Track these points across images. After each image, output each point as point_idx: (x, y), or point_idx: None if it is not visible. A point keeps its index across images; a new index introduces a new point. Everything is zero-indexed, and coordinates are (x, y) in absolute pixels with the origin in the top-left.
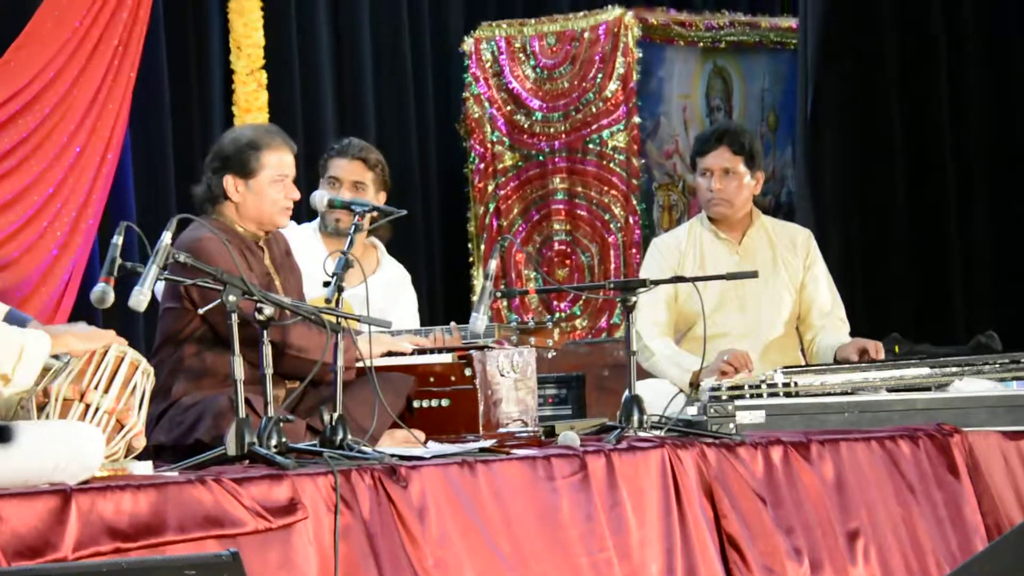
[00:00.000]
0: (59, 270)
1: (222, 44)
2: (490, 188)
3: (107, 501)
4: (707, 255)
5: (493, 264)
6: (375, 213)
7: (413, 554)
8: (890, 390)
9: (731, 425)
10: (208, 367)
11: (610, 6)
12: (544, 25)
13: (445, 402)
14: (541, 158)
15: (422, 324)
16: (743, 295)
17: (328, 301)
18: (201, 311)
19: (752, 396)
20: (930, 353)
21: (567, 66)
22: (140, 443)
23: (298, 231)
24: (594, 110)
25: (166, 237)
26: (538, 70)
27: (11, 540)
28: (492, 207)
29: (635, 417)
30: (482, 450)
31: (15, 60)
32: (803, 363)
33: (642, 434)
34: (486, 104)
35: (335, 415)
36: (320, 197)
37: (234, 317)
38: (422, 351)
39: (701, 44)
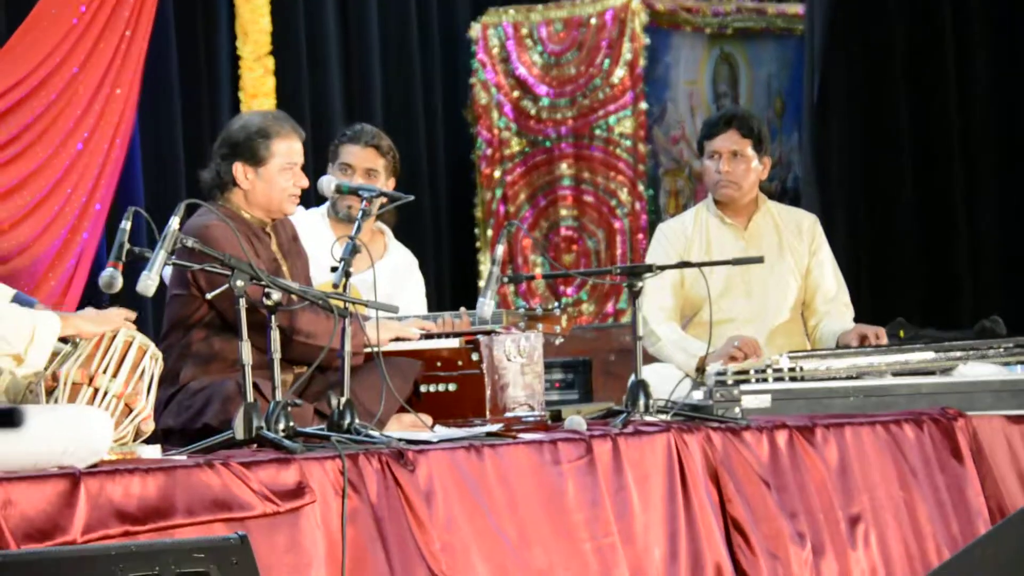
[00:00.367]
0: (67, 255)
1: (229, 30)
2: (497, 174)
3: (116, 485)
4: (713, 240)
5: (500, 249)
6: (383, 198)
7: (420, 538)
8: (895, 374)
9: (737, 409)
10: (216, 352)
11: None
12: (551, 11)
13: (452, 387)
14: (548, 144)
15: (430, 309)
16: (749, 280)
17: (335, 286)
18: (209, 296)
19: (758, 380)
20: (935, 338)
21: (574, 52)
22: (148, 427)
23: (306, 216)
24: (601, 96)
25: (174, 222)
26: (545, 56)
27: (20, 523)
28: (499, 193)
29: (641, 401)
30: (489, 434)
31: (21, 45)
32: (808, 348)
33: (648, 418)
34: (493, 90)
35: (343, 399)
36: (328, 182)
37: (242, 302)
38: (429, 336)
39: (708, 30)
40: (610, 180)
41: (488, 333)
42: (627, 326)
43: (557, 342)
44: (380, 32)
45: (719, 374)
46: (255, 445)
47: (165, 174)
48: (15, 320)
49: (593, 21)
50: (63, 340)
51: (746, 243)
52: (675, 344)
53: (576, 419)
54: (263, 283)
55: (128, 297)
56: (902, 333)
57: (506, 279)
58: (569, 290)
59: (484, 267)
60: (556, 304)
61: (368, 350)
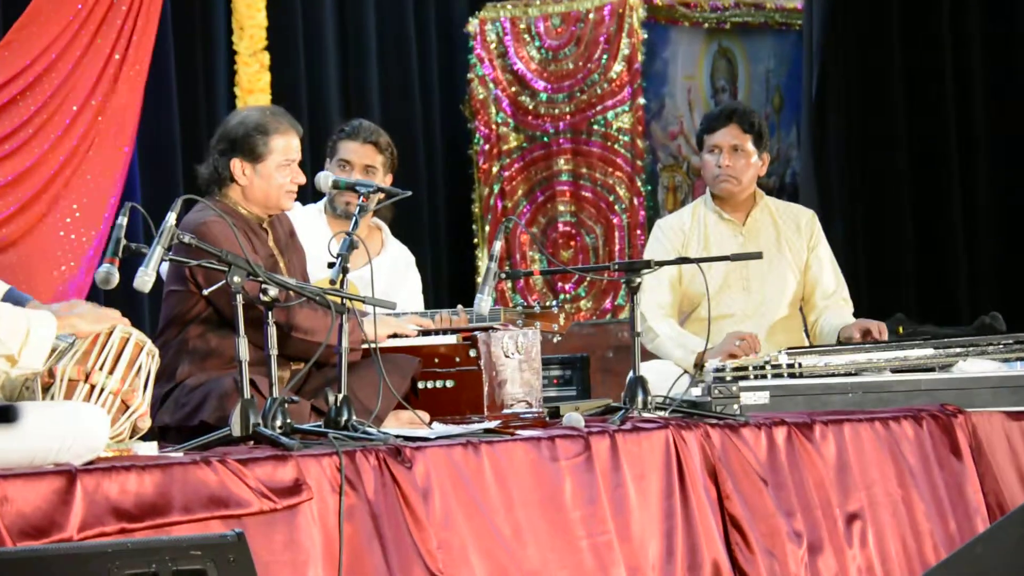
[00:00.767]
0: (68, 251)
1: (226, 25)
2: (495, 169)
3: (112, 482)
4: (711, 236)
5: (498, 245)
6: (380, 194)
7: (417, 535)
8: (894, 371)
9: (735, 406)
10: (213, 349)
11: None
12: (549, 6)
13: (450, 383)
14: (546, 139)
15: (427, 306)
16: (747, 276)
17: (333, 282)
18: (205, 292)
19: (756, 377)
20: (934, 334)
21: (572, 47)
22: (145, 424)
23: (303, 212)
24: (599, 91)
25: (171, 218)
26: (543, 51)
27: (16, 520)
28: (497, 188)
29: (639, 398)
30: (487, 431)
31: (17, 40)
32: (807, 344)
33: (646, 415)
34: (491, 85)
35: (340, 396)
36: (325, 178)
37: (239, 298)
38: (427, 332)
39: (706, 25)
40: (608, 176)
41: (486, 330)
42: (625, 322)
43: (555, 339)
44: (377, 27)
45: (717, 371)
46: (252, 442)
47: (161, 169)
48: (9, 320)
49: (591, 16)
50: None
51: (744, 238)
52: (673, 340)
53: (574, 416)
54: (260, 279)
55: (124, 293)
56: (901, 329)
57: (504, 275)
58: (567, 286)
59: (482, 263)
60: (554, 301)
61: (366, 346)
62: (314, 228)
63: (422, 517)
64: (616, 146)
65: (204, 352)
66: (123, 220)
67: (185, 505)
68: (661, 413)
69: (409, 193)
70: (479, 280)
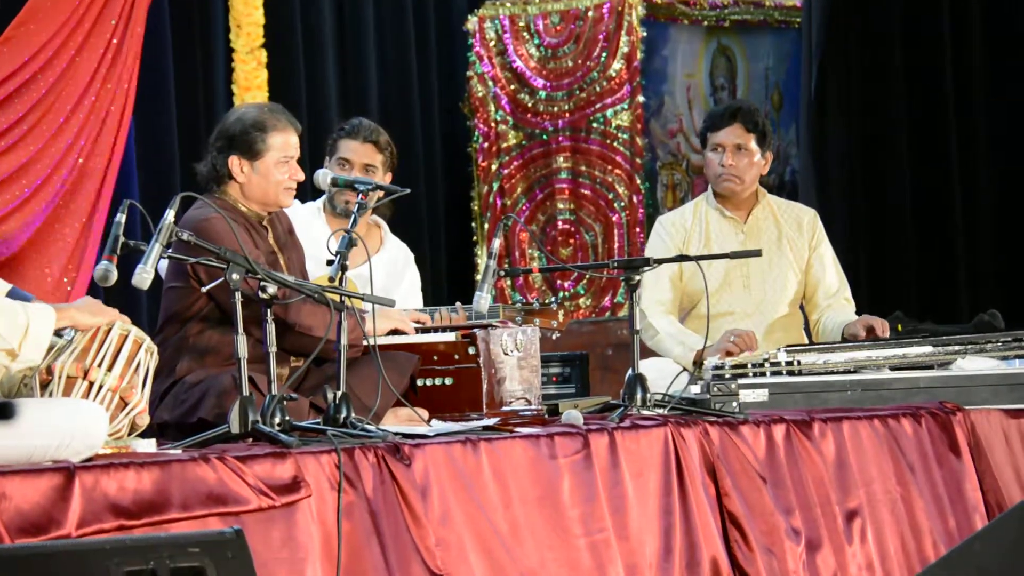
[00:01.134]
0: (64, 249)
1: (224, 23)
2: (494, 167)
3: (111, 479)
4: (712, 233)
5: (497, 243)
6: (379, 192)
7: (416, 532)
8: (893, 368)
9: (734, 403)
10: (213, 345)
11: None
12: (548, 4)
13: (449, 380)
14: (545, 137)
15: (426, 303)
16: (748, 274)
17: (332, 280)
18: (205, 289)
19: (755, 374)
20: (933, 331)
21: (571, 45)
22: (144, 421)
23: (302, 210)
24: (598, 89)
25: (169, 215)
26: (542, 49)
27: (14, 517)
28: (496, 186)
29: (638, 395)
30: (485, 428)
31: (16, 37)
32: (806, 342)
33: (645, 412)
34: (490, 83)
35: (339, 393)
36: (324, 175)
37: (238, 295)
38: (426, 330)
39: (705, 23)
40: (607, 173)
41: (485, 327)
42: (624, 320)
43: (554, 336)
44: (376, 24)
45: (716, 368)
46: (250, 439)
47: (159, 167)
48: (8, 314)
49: (590, 14)
50: (58, 332)
51: (746, 236)
52: (673, 337)
53: (573, 413)
54: (259, 277)
55: (123, 290)
56: (900, 327)
57: (503, 273)
58: (566, 284)
59: (481, 260)
60: (553, 299)
61: (366, 343)
62: (313, 226)
63: (421, 514)
64: (615, 144)
65: (204, 349)
66: (121, 217)
67: (183, 502)
68: (660, 411)
69: (408, 191)
70: (478, 278)
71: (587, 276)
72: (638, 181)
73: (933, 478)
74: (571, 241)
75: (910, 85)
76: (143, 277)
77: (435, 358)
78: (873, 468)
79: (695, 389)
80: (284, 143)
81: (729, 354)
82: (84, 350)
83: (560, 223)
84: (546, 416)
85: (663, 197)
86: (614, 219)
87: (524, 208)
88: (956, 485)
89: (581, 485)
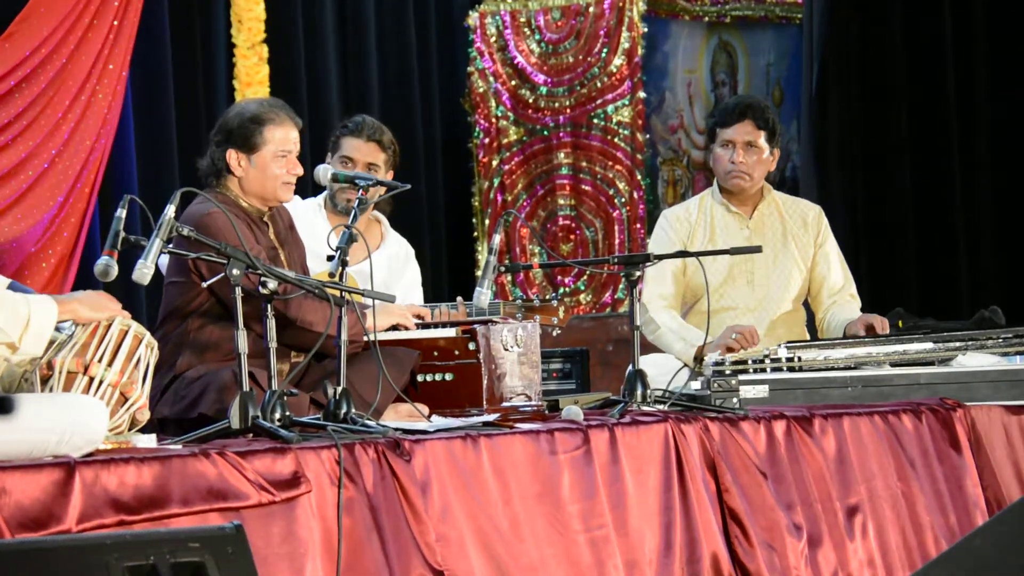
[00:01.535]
0: (56, 244)
1: (225, 17)
2: (495, 163)
3: (111, 474)
4: (717, 228)
5: (497, 239)
6: (380, 188)
7: (416, 528)
8: (893, 365)
9: (735, 399)
10: (213, 341)
11: None
12: (549, 0)
13: (449, 376)
14: (546, 133)
15: (426, 299)
16: (751, 269)
17: (332, 275)
18: (205, 284)
19: (756, 371)
20: (933, 328)
21: (572, 41)
22: (144, 416)
23: (302, 206)
24: (599, 85)
25: (170, 210)
26: (543, 45)
27: (15, 512)
28: (497, 182)
29: (639, 391)
30: (486, 424)
31: (18, 32)
32: (808, 338)
33: (646, 408)
34: (491, 79)
35: (339, 389)
36: (324, 171)
37: (238, 291)
38: (426, 325)
39: (706, 18)
40: (608, 169)
41: (485, 323)
42: (625, 316)
43: (555, 333)
44: (377, 20)
45: (717, 364)
46: (251, 435)
47: (159, 162)
48: (9, 307)
49: (591, 9)
50: (57, 326)
51: (751, 232)
52: (674, 333)
53: (573, 409)
54: (259, 272)
55: (123, 286)
56: (901, 323)
57: (503, 268)
58: (567, 280)
59: (481, 256)
60: (554, 295)
61: (366, 338)
62: (314, 223)
63: (421, 510)
64: (616, 140)
65: (204, 344)
66: (122, 212)
67: (184, 497)
68: (660, 406)
69: (408, 187)
70: (479, 273)
71: (587, 272)
72: (639, 177)
73: (934, 474)
74: (572, 237)
75: (911, 81)
76: (143, 272)
77: (435, 354)
78: (874, 464)
79: (695, 385)
80: (282, 137)
81: (730, 350)
82: (84, 345)
83: (561, 219)
84: (546, 412)
85: (664, 193)
86: (615, 215)
87: (525, 204)
88: (957, 481)
89: (581, 481)
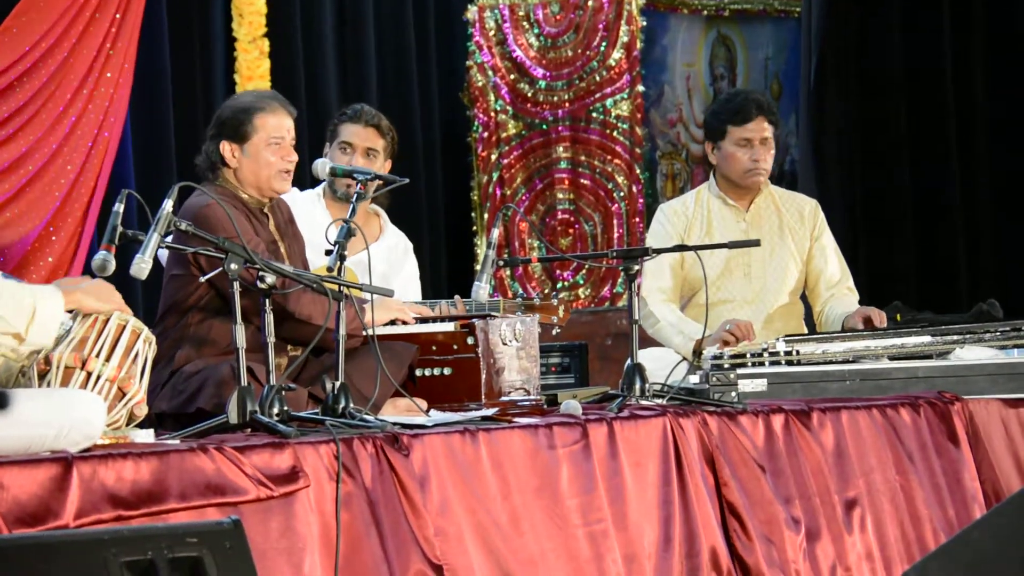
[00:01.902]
0: (58, 238)
1: (224, 12)
2: (493, 157)
3: (109, 469)
4: (715, 221)
5: (496, 233)
6: (378, 181)
7: (414, 523)
8: (891, 358)
9: (733, 393)
10: (213, 335)
11: None
12: None
13: (447, 371)
14: (544, 127)
15: (425, 293)
16: (748, 262)
17: (330, 269)
18: (203, 279)
19: (754, 364)
20: (931, 321)
21: (571, 34)
22: (142, 411)
23: (300, 197)
24: (598, 79)
25: (167, 205)
26: (542, 38)
27: (12, 507)
28: (495, 176)
29: (637, 385)
30: (484, 418)
31: (16, 26)
32: (806, 332)
33: (644, 402)
34: (490, 73)
35: (337, 384)
36: (323, 165)
37: (236, 285)
38: (425, 320)
39: (705, 12)
40: (607, 163)
41: (484, 317)
42: (624, 310)
43: (555, 332)
44: (376, 14)
45: (715, 358)
46: (249, 429)
47: (157, 157)
48: (14, 297)
49: (590, 3)
50: None
51: (748, 225)
52: (673, 326)
53: (572, 403)
54: (257, 266)
55: (121, 280)
56: (899, 317)
57: (502, 263)
58: (565, 274)
59: (480, 250)
60: (554, 294)
61: (365, 333)
62: (313, 213)
63: (419, 505)
64: (615, 134)
65: (204, 338)
66: (119, 207)
67: (182, 492)
68: (659, 400)
69: (407, 180)
70: (477, 267)
71: (586, 266)
72: (637, 171)
73: (932, 467)
74: (570, 231)
75: (910, 75)
76: (141, 267)
77: (434, 348)
78: (872, 458)
79: (694, 379)
80: (274, 125)
81: (726, 344)
82: (82, 340)
83: (559, 213)
84: (545, 406)
85: (663, 187)
86: (613, 209)
87: (524, 198)
88: (955, 474)
89: (580, 475)
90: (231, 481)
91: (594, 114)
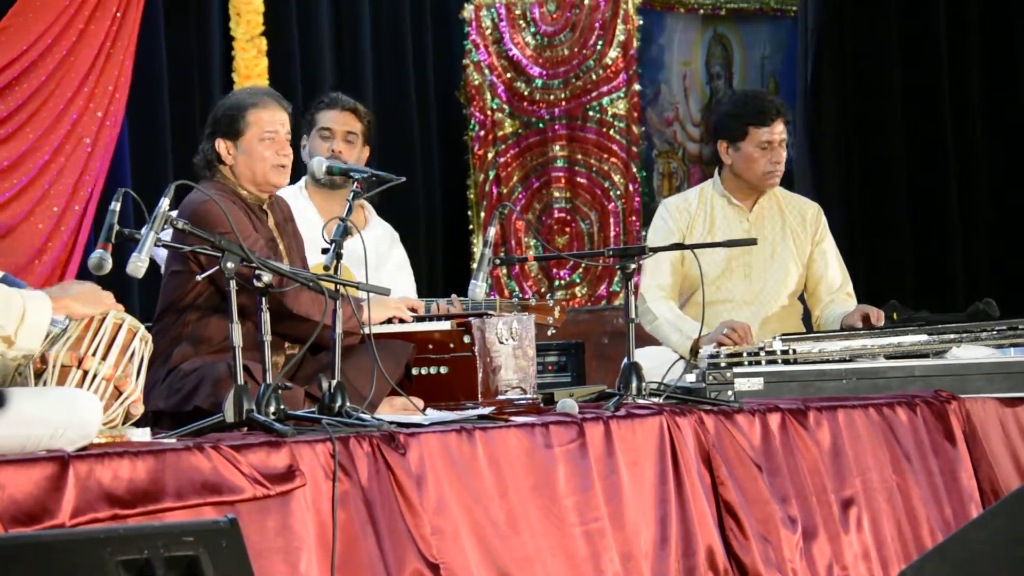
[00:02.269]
0: (57, 237)
1: (222, 10)
2: (490, 155)
3: (105, 468)
4: (717, 220)
5: (492, 231)
6: (373, 178)
7: (411, 521)
8: (888, 357)
9: (729, 392)
10: (211, 333)
11: None
12: None
13: (444, 369)
14: (541, 125)
15: (421, 291)
16: (749, 262)
17: (327, 268)
18: (200, 277)
19: (751, 363)
20: (928, 320)
21: (567, 33)
22: (138, 410)
23: (285, 193)
24: (594, 77)
25: (164, 203)
26: (538, 37)
27: (8, 506)
28: (492, 174)
29: (634, 384)
30: (481, 417)
31: (13, 26)
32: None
33: (641, 401)
34: (486, 71)
35: (334, 382)
36: (319, 164)
37: (232, 284)
38: (421, 318)
39: (701, 11)
40: (603, 162)
41: (480, 316)
42: (620, 308)
43: (550, 332)
44: (372, 13)
45: (712, 357)
46: (245, 428)
47: (155, 155)
48: (4, 301)
49: (586, 2)
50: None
51: (750, 225)
52: (671, 324)
53: (568, 402)
54: (253, 265)
55: (117, 279)
56: (896, 315)
57: (498, 261)
58: (562, 272)
59: (477, 249)
60: (550, 294)
61: (363, 331)
62: (295, 206)
63: (416, 503)
64: (611, 132)
65: (202, 336)
66: (116, 205)
67: (178, 491)
68: (655, 399)
69: (403, 179)
70: (474, 266)
71: (583, 265)
72: (634, 169)
73: (929, 466)
74: (567, 229)
75: (906, 74)
76: (137, 266)
77: (430, 347)
78: (869, 457)
79: (690, 378)
80: (267, 119)
81: (723, 345)
82: (78, 339)
83: (556, 211)
84: (541, 405)
85: (659, 185)
86: (610, 207)
87: (520, 196)
88: (951, 473)
89: (576, 474)
90: (227, 480)
91: (591, 113)
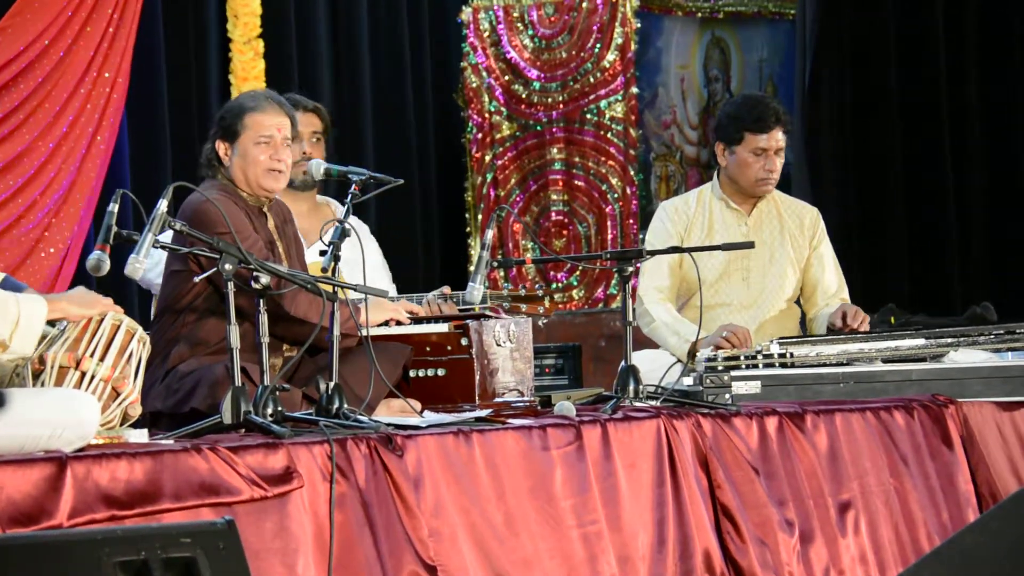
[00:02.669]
0: (55, 238)
1: (219, 13)
2: (488, 158)
3: (102, 469)
4: (716, 223)
5: (490, 234)
6: (371, 180)
7: (408, 523)
8: (885, 361)
9: (727, 395)
10: (209, 334)
11: None
12: None
13: (441, 371)
14: (539, 128)
15: (419, 292)
16: (747, 267)
17: (324, 270)
18: (198, 279)
19: (748, 366)
20: (925, 324)
21: (565, 36)
22: (136, 411)
23: None
24: (592, 80)
25: (162, 205)
26: (536, 40)
27: (6, 507)
28: (490, 177)
29: (631, 387)
30: (478, 419)
31: (11, 26)
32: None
33: (638, 404)
34: (484, 74)
35: (331, 384)
36: (317, 166)
37: (230, 285)
38: (418, 320)
39: (699, 14)
40: (601, 165)
41: (478, 318)
42: (617, 311)
43: (541, 323)
44: (370, 16)
45: (709, 360)
46: (243, 430)
47: (153, 157)
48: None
49: (584, 5)
50: (50, 323)
51: (749, 229)
52: (669, 327)
53: (566, 404)
54: (251, 266)
55: (115, 280)
56: (893, 319)
57: (496, 264)
58: (559, 275)
59: (474, 252)
60: (539, 285)
61: (360, 333)
62: None
63: (413, 505)
64: (609, 135)
65: (199, 338)
66: (114, 207)
67: (175, 492)
68: (653, 402)
69: (401, 181)
70: (471, 269)
71: (580, 267)
72: (632, 172)
73: (926, 470)
74: (564, 232)
75: (904, 77)
76: (135, 267)
77: (428, 349)
78: (866, 460)
79: (688, 381)
80: (264, 123)
81: (720, 349)
82: (76, 340)
83: (554, 214)
84: (539, 407)
85: (657, 188)
86: (607, 210)
87: (518, 199)
88: (949, 477)
89: (574, 476)
90: (225, 481)
91: (588, 116)
